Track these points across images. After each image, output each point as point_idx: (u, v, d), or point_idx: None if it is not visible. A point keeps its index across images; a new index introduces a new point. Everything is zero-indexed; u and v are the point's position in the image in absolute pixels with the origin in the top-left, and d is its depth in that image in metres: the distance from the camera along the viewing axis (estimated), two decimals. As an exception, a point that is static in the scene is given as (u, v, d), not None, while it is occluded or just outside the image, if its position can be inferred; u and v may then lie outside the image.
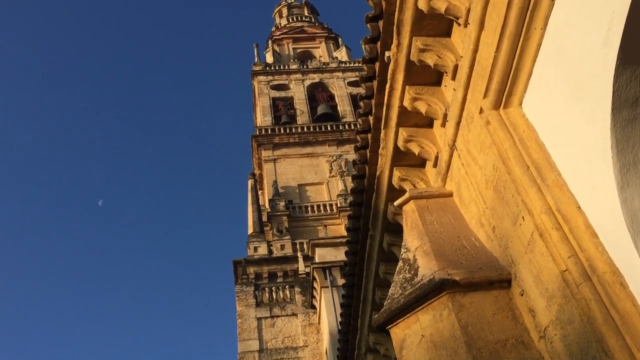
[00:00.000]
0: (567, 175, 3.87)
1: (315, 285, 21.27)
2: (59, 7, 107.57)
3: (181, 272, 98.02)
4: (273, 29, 45.71)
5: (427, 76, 5.47)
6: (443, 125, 5.47)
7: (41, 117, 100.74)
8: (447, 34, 5.15)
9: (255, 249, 26.35)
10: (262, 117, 34.76)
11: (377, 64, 5.82)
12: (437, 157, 5.73)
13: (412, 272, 4.98)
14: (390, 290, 5.18)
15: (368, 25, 5.66)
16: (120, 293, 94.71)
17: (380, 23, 5.50)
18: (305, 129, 33.37)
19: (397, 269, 5.26)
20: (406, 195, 5.53)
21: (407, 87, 5.55)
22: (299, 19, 46.29)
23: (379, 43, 5.66)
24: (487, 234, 4.85)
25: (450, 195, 5.49)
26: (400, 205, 5.60)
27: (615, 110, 3.38)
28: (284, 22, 46.46)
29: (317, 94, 36.72)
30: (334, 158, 31.93)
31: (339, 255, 19.88)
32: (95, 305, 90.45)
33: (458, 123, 5.12)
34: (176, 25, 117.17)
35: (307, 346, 22.06)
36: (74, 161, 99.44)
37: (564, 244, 3.72)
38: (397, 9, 5.19)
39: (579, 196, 3.76)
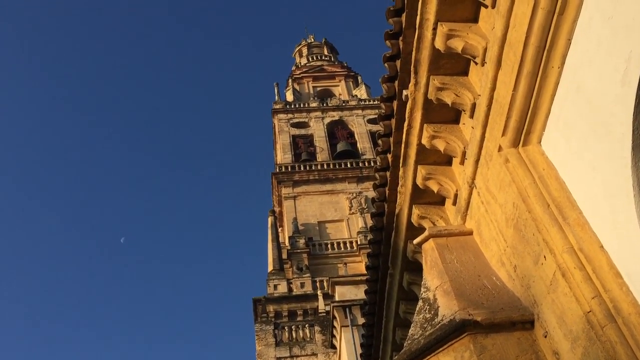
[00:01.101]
0: (589, 213, 3.82)
1: (335, 324, 20.99)
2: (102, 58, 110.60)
3: (200, 309, 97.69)
4: (293, 67, 46.38)
5: (445, 114, 5.48)
6: (462, 163, 5.45)
7: (66, 155, 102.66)
8: (465, 72, 5.18)
9: (275, 286, 26.21)
10: (282, 155, 34.99)
11: (395, 103, 5.86)
12: (456, 195, 5.69)
13: (432, 312, 4.90)
14: (410, 330, 5.09)
15: (386, 64, 5.73)
16: (139, 330, 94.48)
17: (398, 62, 5.55)
18: (325, 166, 33.49)
19: (417, 309, 5.18)
20: (425, 234, 5.48)
21: (425, 125, 5.56)
22: (319, 57, 46.96)
23: (396, 82, 5.71)
24: (508, 273, 4.77)
25: (470, 233, 5.43)
26: (420, 244, 5.55)
27: (636, 149, 3.34)
28: (304, 61, 47.16)
29: (337, 131, 36.96)
30: (354, 195, 31.91)
31: (359, 293, 19.63)
32: (115, 342, 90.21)
33: (477, 161, 5.10)
34: (198, 63, 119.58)
35: (327, 387, 21.65)
36: (97, 199, 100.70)
37: (587, 284, 3.65)
38: (414, 49, 5.24)
39: (602, 235, 3.69)
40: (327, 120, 37.50)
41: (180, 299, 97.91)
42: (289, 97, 41.18)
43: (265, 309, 24.84)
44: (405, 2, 5.12)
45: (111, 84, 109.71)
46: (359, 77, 43.70)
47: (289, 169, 33.45)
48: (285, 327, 24.00)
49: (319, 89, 42.70)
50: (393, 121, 5.97)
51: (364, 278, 10.81)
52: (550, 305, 4.11)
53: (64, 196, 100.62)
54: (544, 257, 4.11)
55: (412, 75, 5.39)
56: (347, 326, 19.85)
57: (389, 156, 6.31)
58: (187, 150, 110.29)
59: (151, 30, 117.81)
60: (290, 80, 43.67)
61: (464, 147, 5.36)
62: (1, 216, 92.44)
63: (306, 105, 38.75)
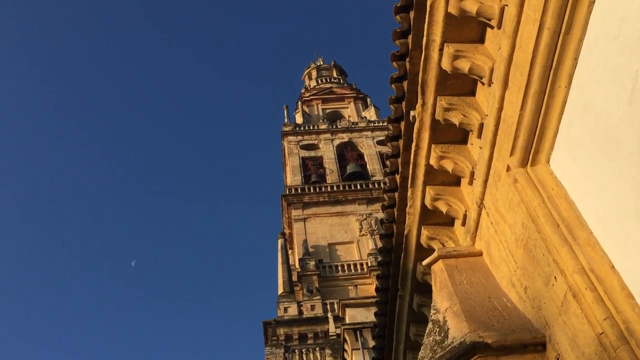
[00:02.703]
0: (599, 233, 3.77)
1: (346, 347, 20.77)
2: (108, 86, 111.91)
3: (211, 332, 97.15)
4: (303, 90, 46.70)
5: (452, 134, 5.47)
6: (470, 183, 5.42)
7: (77, 182, 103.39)
8: (472, 93, 5.18)
9: (286, 309, 26.07)
10: (292, 177, 35.06)
11: (402, 123, 5.86)
12: (465, 216, 5.66)
13: (442, 334, 4.84)
14: (420, 353, 5.03)
15: (393, 85, 5.74)
16: (149, 354, 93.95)
17: (405, 83, 5.57)
18: (334, 188, 33.49)
19: (427, 331, 5.12)
20: (434, 255, 5.44)
21: (433, 145, 5.55)
22: (328, 80, 47.26)
23: (404, 103, 5.72)
24: (518, 294, 4.71)
25: (480, 254, 5.38)
26: (429, 265, 5.50)
27: (645, 167, 3.31)
28: (313, 83, 47.48)
29: (347, 153, 37.03)
30: (364, 217, 31.84)
31: (370, 315, 19.45)
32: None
33: (485, 181, 5.07)
34: (208, 87, 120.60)
35: (338, 411, 21.37)
36: (109, 224, 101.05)
37: (599, 305, 3.59)
38: (421, 70, 5.26)
39: (613, 255, 3.64)
40: (337, 142, 37.61)
41: (190, 321, 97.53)
42: (299, 119, 41.38)
43: (276, 332, 24.68)
44: (412, 23, 5.15)
45: (124, 113, 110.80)
46: (368, 99, 43.90)
47: (299, 191, 33.48)
48: (296, 350, 23.81)
49: (328, 111, 42.90)
50: (401, 142, 5.97)
51: (375, 300, 10.72)
52: (561, 327, 4.04)
53: (75, 222, 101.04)
54: (555, 277, 4.05)
55: (420, 96, 5.40)
56: (358, 349, 19.65)
57: (397, 177, 6.30)
58: (198, 172, 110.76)
59: (160, 54, 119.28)
60: (299, 103, 43.94)
61: (472, 168, 5.34)
62: (13, 240, 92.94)
63: (316, 127, 38.91)
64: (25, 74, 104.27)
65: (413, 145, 5.76)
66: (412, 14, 5.12)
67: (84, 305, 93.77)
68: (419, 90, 5.38)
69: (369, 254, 28.71)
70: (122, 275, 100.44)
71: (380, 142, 36.08)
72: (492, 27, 4.63)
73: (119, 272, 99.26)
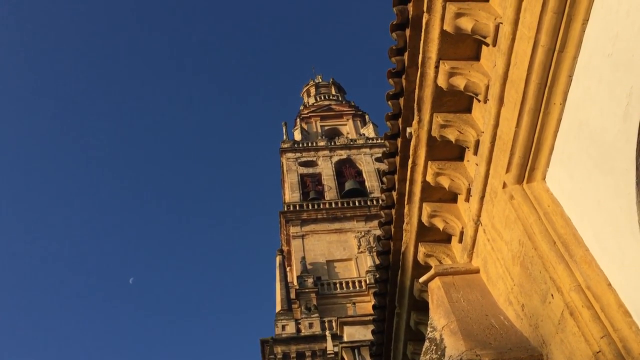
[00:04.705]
0: (595, 251, 3.75)
1: (344, 365, 20.60)
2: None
3: (207, 350, 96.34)
4: (301, 107, 46.87)
5: (449, 151, 5.48)
6: (467, 200, 5.41)
7: (75, 198, 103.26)
8: (468, 109, 5.19)
9: (283, 327, 25.90)
10: (290, 193, 35.04)
11: (399, 140, 5.86)
12: (462, 233, 5.64)
13: (439, 353, 4.80)
14: (417, 371, 4.98)
15: (389, 102, 5.76)
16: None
17: (401, 100, 5.58)
18: (333, 205, 33.46)
19: (424, 349, 5.08)
20: (431, 272, 5.41)
21: (429, 162, 5.55)
22: (327, 97, 47.44)
23: (400, 119, 5.72)
24: (516, 312, 4.68)
25: (477, 271, 5.35)
26: (426, 282, 5.47)
27: (640, 184, 3.30)
28: (311, 100, 47.65)
29: (345, 170, 37.06)
30: (363, 234, 31.77)
31: (368, 334, 19.32)
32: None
33: (482, 198, 5.06)
34: (207, 103, 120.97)
35: None
36: (107, 240, 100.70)
37: (595, 323, 3.56)
38: (417, 87, 5.27)
39: (609, 273, 3.62)
40: (335, 159, 37.65)
41: (187, 338, 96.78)
42: (297, 136, 41.47)
43: (273, 350, 24.49)
44: (408, 41, 5.17)
45: (122, 127, 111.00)
46: (367, 116, 44.04)
47: (297, 208, 33.43)
48: (294, 369, 23.57)
49: (326, 128, 43.01)
50: (397, 158, 5.97)
51: (372, 318, 10.65)
52: (559, 346, 4.01)
53: (73, 239, 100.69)
54: (552, 295, 4.02)
55: (416, 112, 5.41)
56: (356, 367, 19.47)
57: (394, 194, 6.29)
58: (196, 189, 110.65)
59: (161, 70, 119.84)
60: (298, 120, 44.06)
61: (469, 184, 5.34)
62: (8, 257, 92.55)
63: (314, 144, 38.98)
64: (25, 79, 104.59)
65: (409, 161, 5.76)
66: (408, 32, 5.14)
67: (81, 322, 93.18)
68: (415, 107, 5.39)
69: (368, 271, 28.59)
70: (119, 292, 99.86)
71: (378, 159, 36.10)
72: (487, 45, 4.66)
73: (116, 288, 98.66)
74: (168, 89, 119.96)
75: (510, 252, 4.63)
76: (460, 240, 5.70)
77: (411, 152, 5.67)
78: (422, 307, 6.50)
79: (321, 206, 33.29)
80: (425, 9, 4.81)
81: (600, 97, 3.59)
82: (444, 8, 4.64)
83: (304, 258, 30.26)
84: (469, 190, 5.35)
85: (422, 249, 6.13)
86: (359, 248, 31.08)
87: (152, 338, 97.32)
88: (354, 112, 44.46)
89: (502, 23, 4.29)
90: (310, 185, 35.72)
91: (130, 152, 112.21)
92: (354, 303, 27.75)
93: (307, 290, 28.00)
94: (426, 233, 6.06)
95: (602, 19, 3.53)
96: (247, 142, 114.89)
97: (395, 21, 5.26)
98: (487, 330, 4.72)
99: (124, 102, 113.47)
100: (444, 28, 4.72)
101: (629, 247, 3.43)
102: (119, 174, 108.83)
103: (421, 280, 5.59)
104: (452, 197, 5.76)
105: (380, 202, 6.89)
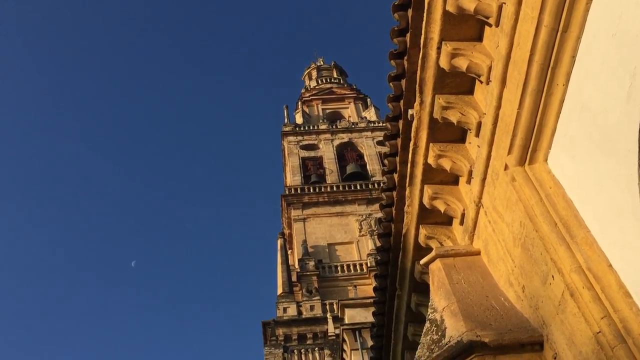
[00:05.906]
0: (597, 232, 3.75)
1: (345, 347, 20.73)
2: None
3: (209, 332, 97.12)
4: (303, 90, 46.64)
5: (450, 133, 5.46)
6: (468, 182, 5.41)
7: (77, 183, 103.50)
8: (470, 91, 5.17)
9: (285, 309, 26.04)
10: (292, 177, 35.02)
11: (400, 122, 5.84)
12: (463, 215, 5.64)
13: (439, 334, 4.82)
14: (417, 352, 5.01)
15: (391, 84, 5.73)
16: (148, 354, 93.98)
17: (403, 82, 5.56)
18: (334, 188, 33.44)
19: (425, 330, 5.10)
20: (432, 254, 5.42)
21: (431, 144, 5.53)
22: (328, 80, 47.19)
23: (402, 101, 5.70)
24: (516, 293, 4.69)
25: (478, 253, 5.36)
26: (427, 264, 5.48)
27: (643, 165, 3.29)
28: (313, 83, 47.41)
29: (346, 153, 36.98)
30: (364, 217, 31.80)
31: (369, 316, 19.39)
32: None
33: (483, 180, 5.05)
34: (208, 87, 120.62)
35: (337, 411, 21.36)
36: (109, 224, 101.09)
37: (596, 304, 3.57)
38: (419, 68, 5.24)
39: (610, 254, 3.63)
40: (337, 142, 37.56)
41: (189, 321, 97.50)
42: (299, 119, 41.34)
43: (275, 332, 24.66)
44: (410, 21, 5.13)
45: (123, 114, 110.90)
46: (368, 99, 43.84)
47: (299, 191, 33.44)
48: (295, 351, 23.79)
49: (328, 111, 42.84)
50: (399, 140, 5.96)
51: (373, 300, 10.70)
52: (559, 326, 4.02)
53: (75, 222, 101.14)
54: (552, 276, 4.03)
55: (418, 94, 5.38)
56: (357, 349, 19.60)
57: (396, 176, 6.28)
58: (197, 172, 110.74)
59: (161, 55, 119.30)
60: (299, 103, 43.89)
61: (470, 166, 5.33)
62: (12, 240, 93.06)
63: (315, 128, 38.87)
64: (27, 76, 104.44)
65: (411, 143, 5.74)
66: (410, 12, 5.10)
67: (83, 305, 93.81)
68: (417, 88, 5.36)
69: (369, 255, 28.64)
70: (121, 275, 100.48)
71: (380, 143, 35.99)
72: (490, 25, 4.62)
73: (118, 272, 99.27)
74: (168, 72, 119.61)
75: (512, 233, 4.63)
76: (462, 223, 5.70)
77: (413, 134, 5.65)
78: (422, 289, 6.53)
79: (322, 189, 33.27)
80: (427, -11, 4.77)
81: (604, 78, 3.56)
82: (446, -12, 4.59)
83: (305, 241, 30.34)
84: (470, 172, 5.34)
85: (423, 231, 6.14)
86: (360, 231, 31.12)
87: (154, 321, 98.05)
88: (355, 95, 44.25)
89: (505, 3, 4.24)
90: (311, 168, 35.68)
91: (132, 136, 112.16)
92: (355, 286, 27.89)
93: (308, 273, 28.10)
94: (427, 215, 6.06)
95: (607, -1, 3.49)
96: (248, 126, 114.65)
97: (398, 2, 5.21)
98: (487, 312, 4.74)
99: (124, 84, 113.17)
100: (447, 8, 4.68)
101: (630, 229, 3.42)
102: (120, 159, 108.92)
103: (422, 262, 5.61)
104: (453, 179, 5.75)
105: (382, 184, 6.89)
